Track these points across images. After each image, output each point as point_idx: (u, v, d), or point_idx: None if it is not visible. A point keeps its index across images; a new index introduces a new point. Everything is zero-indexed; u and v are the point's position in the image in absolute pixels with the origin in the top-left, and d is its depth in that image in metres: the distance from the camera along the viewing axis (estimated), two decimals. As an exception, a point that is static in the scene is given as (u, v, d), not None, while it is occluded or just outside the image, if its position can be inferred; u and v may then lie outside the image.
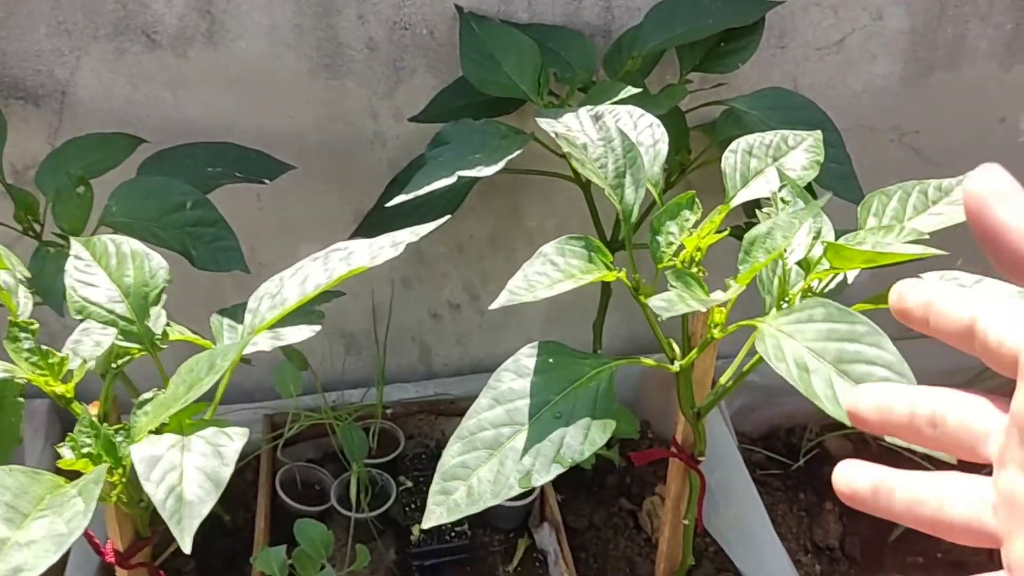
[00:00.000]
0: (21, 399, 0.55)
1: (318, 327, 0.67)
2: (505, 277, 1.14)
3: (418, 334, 1.18)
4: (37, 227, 0.84)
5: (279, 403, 1.11)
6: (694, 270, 0.66)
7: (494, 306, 0.58)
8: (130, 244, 0.62)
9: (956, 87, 1.04)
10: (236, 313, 0.73)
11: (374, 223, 0.97)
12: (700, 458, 0.79)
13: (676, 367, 0.69)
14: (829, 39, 0.98)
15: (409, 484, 1.08)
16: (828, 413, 0.52)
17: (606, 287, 1.06)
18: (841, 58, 1.00)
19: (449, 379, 1.19)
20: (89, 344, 0.61)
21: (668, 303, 0.56)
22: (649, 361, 0.68)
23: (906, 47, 1.00)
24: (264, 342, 0.63)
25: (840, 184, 0.81)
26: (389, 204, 0.76)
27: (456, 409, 1.17)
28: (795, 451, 1.31)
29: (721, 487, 1.10)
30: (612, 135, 0.67)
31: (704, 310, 0.58)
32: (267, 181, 0.88)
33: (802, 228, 0.63)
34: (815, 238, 0.64)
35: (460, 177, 0.75)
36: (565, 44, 0.90)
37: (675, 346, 0.70)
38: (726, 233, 0.66)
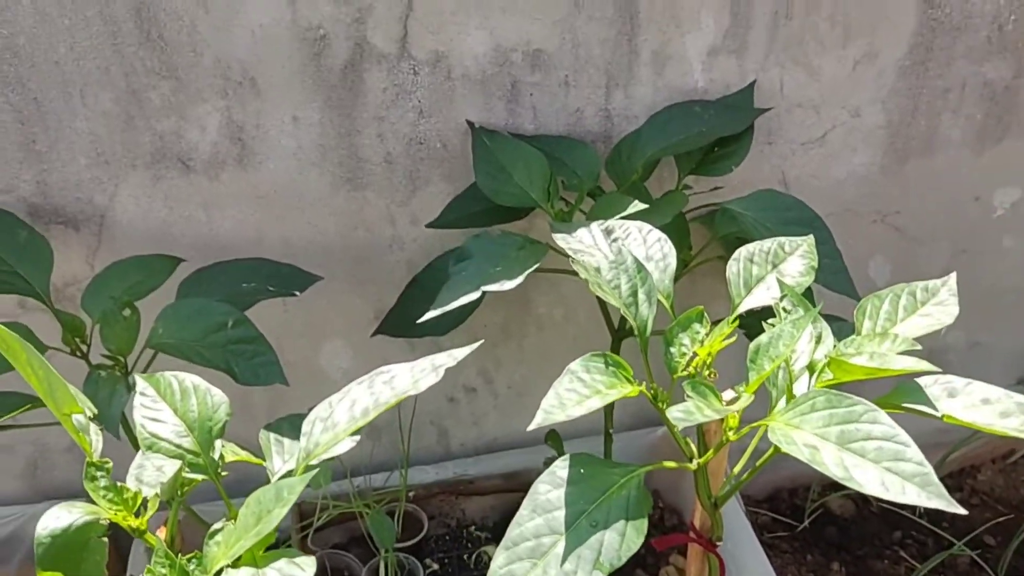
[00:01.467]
0: (105, 539, 0.60)
1: (358, 437, 0.72)
2: (518, 361, 1.21)
3: (436, 418, 1.23)
4: (84, 348, 0.89)
5: (306, 491, 1.16)
6: (706, 373, 0.72)
7: (532, 427, 0.63)
8: (191, 379, 0.67)
9: (932, 172, 1.12)
10: (281, 428, 0.79)
11: (395, 322, 1.03)
12: (718, 543, 0.84)
13: (694, 465, 0.75)
14: (813, 135, 1.06)
15: (435, 567, 1.12)
16: (844, 484, 0.57)
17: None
18: (825, 151, 1.07)
19: (467, 459, 1.24)
20: (152, 470, 0.66)
21: (686, 414, 0.62)
22: (671, 464, 0.74)
23: (884, 139, 1.08)
24: (314, 460, 0.68)
25: (832, 278, 0.87)
26: (421, 320, 0.81)
27: (475, 489, 1.21)
28: (799, 511, 1.37)
29: (732, 556, 1.15)
30: (624, 256, 0.73)
31: (719, 418, 0.64)
32: (298, 293, 0.94)
33: (803, 335, 0.70)
34: (817, 343, 0.70)
35: (484, 292, 0.81)
36: (570, 153, 0.97)
37: (692, 445, 0.76)
38: (734, 340, 0.72)
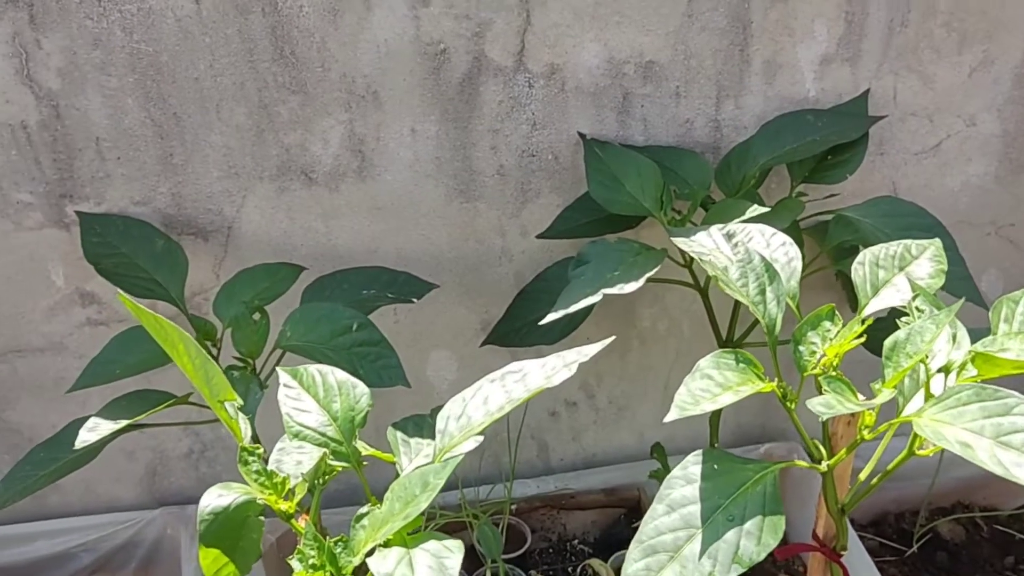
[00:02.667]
0: (262, 517, 0.62)
1: (481, 437, 0.74)
2: (619, 375, 1.21)
3: (537, 432, 1.24)
4: (215, 351, 0.93)
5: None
6: (833, 375, 0.71)
7: (668, 419, 0.64)
8: (333, 372, 0.70)
9: (1049, 181, 1.10)
10: (407, 427, 0.80)
11: (504, 333, 1.05)
12: (842, 552, 0.82)
13: (824, 467, 0.74)
14: (926, 144, 1.04)
15: (540, 579, 1.12)
16: (1004, 476, 0.56)
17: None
18: (938, 161, 1.06)
19: (567, 474, 1.25)
20: (291, 463, 0.68)
21: (827, 406, 0.62)
22: (802, 463, 0.73)
23: (999, 149, 1.06)
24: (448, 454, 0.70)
25: (957, 285, 0.86)
26: (543, 322, 0.83)
27: (576, 504, 1.21)
28: (907, 536, 1.33)
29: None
30: (751, 255, 0.73)
31: (859, 411, 0.64)
32: (416, 300, 0.96)
33: (941, 333, 0.69)
34: (953, 342, 0.69)
35: (605, 294, 0.82)
36: (681, 163, 0.98)
37: (820, 447, 0.75)
38: (863, 340, 0.72)
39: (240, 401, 0.69)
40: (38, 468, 0.86)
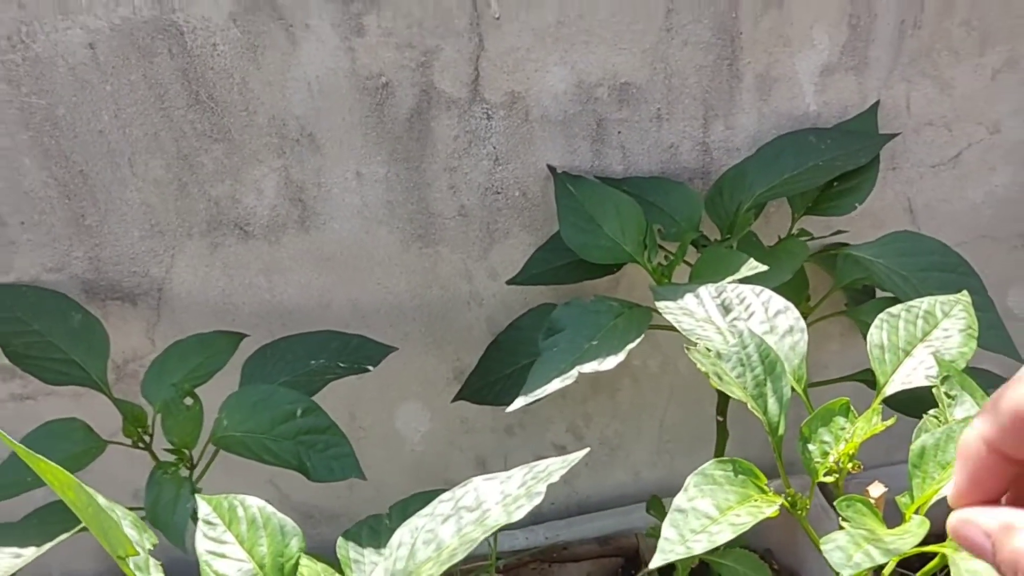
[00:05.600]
0: None
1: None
2: (610, 415, 1.11)
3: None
4: (147, 439, 0.82)
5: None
6: (849, 467, 0.61)
7: (653, 566, 0.53)
8: (258, 506, 0.59)
9: (1083, 188, 0.97)
10: (360, 535, 0.70)
11: (477, 387, 0.94)
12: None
13: (841, 579, 0.63)
14: (944, 156, 0.92)
15: (531, 648, 1.03)
16: None
17: (721, 426, 1.01)
18: (958, 172, 0.94)
19: (558, 522, 1.15)
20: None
21: (845, 554, 0.51)
22: None
23: (1027, 155, 0.94)
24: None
25: (987, 335, 0.74)
26: (509, 409, 0.72)
27: (569, 555, 1.12)
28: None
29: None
30: (746, 341, 0.62)
31: (886, 561, 0.53)
32: (371, 368, 0.85)
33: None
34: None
35: (580, 373, 0.71)
36: (666, 196, 0.85)
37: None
38: (880, 428, 0.61)
39: (145, 549, 0.59)
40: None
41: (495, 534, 1.06)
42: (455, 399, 0.95)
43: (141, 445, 0.83)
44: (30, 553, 0.69)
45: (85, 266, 0.86)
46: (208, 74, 0.77)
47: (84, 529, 0.72)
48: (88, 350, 0.82)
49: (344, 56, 0.78)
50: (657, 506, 1.03)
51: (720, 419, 0.95)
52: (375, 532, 0.71)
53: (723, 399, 0.94)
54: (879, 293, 0.92)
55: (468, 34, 0.78)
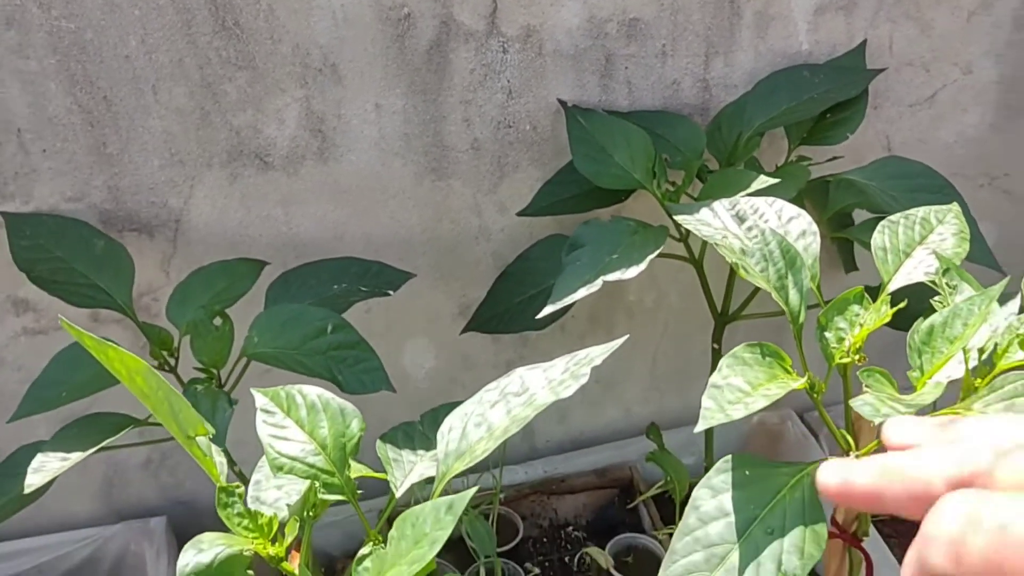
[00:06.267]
0: (251, 572, 0.54)
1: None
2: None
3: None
4: (172, 361, 0.84)
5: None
6: (856, 358, 0.66)
7: (698, 430, 0.58)
8: (317, 393, 0.62)
9: (1044, 128, 1.05)
10: (396, 438, 0.73)
11: (487, 318, 0.97)
12: (864, 537, 0.78)
13: (852, 458, 0.69)
14: (922, 96, 0.99)
15: (536, 571, 1.07)
16: None
17: (716, 353, 1.06)
18: (933, 112, 1.00)
19: (555, 457, 1.19)
20: (273, 494, 0.61)
21: (874, 408, 0.56)
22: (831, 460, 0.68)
23: (996, 96, 1.01)
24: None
25: (975, 249, 0.81)
26: (539, 315, 0.76)
27: (567, 487, 1.16)
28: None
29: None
30: (768, 238, 0.67)
31: (909, 412, 0.58)
32: (391, 292, 0.88)
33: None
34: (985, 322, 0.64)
35: (605, 282, 0.75)
36: (671, 128, 0.90)
37: (848, 438, 0.70)
38: (889, 315, 0.66)
39: (212, 431, 0.61)
40: (-19, 506, 0.77)
41: (500, 469, 1.10)
42: (464, 330, 0.98)
43: (167, 368, 0.84)
44: (76, 456, 0.71)
45: (104, 195, 0.87)
46: (236, 0, 0.79)
47: (132, 428, 0.73)
48: (113, 275, 0.83)
49: (369, -15, 0.81)
50: (655, 432, 1.08)
51: (716, 347, 1.00)
52: (409, 436, 0.74)
53: (719, 327, 0.99)
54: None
55: (489, -34, 0.82)
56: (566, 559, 1.09)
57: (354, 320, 0.94)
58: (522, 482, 1.15)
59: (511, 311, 0.96)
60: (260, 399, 0.63)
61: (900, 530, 1.26)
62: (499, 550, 1.07)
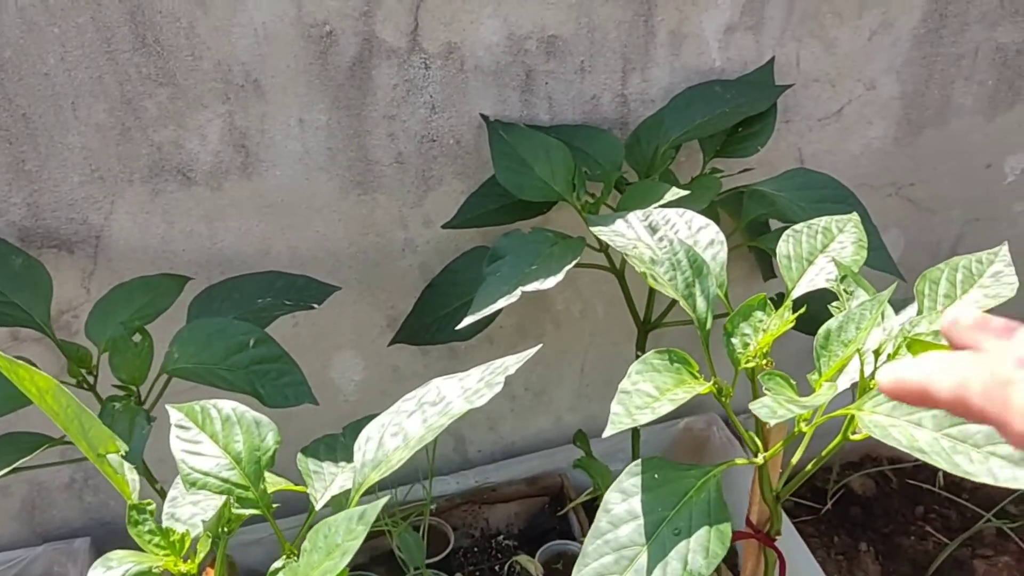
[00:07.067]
0: (162, 588, 0.54)
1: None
2: (534, 360, 1.16)
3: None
4: (91, 379, 0.83)
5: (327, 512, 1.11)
6: (763, 363, 0.69)
7: (606, 435, 0.60)
8: (231, 407, 0.62)
9: (945, 141, 1.11)
10: (318, 451, 0.74)
11: (413, 330, 0.98)
12: (777, 536, 0.81)
13: (760, 460, 0.72)
14: (829, 110, 1.03)
15: (468, 581, 1.08)
16: (948, 471, 0.54)
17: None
18: (841, 126, 1.05)
19: (487, 466, 1.20)
20: (188, 510, 0.61)
21: (771, 410, 0.59)
22: (741, 461, 0.70)
23: (898, 110, 1.06)
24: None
25: (874, 257, 0.85)
26: (459, 326, 0.77)
27: (498, 496, 1.17)
28: (821, 494, 1.35)
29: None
30: (676, 248, 0.70)
31: (804, 414, 0.61)
32: (316, 306, 0.88)
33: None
34: (877, 324, 0.68)
35: (523, 293, 0.77)
36: (590, 142, 0.93)
37: (756, 439, 0.73)
38: (791, 324, 0.69)
39: (124, 448, 0.61)
40: None
41: (430, 480, 1.11)
42: (392, 342, 0.99)
43: (85, 386, 0.83)
44: (-11, 478, 0.70)
45: (23, 212, 0.86)
46: (156, 18, 0.80)
47: (45, 448, 0.73)
48: (31, 292, 0.83)
49: (290, 4, 0.82)
50: (583, 439, 1.10)
51: (639, 354, 1.03)
52: (331, 448, 0.75)
53: (642, 336, 1.02)
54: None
55: (408, -16, 0.83)
56: (496, 568, 1.10)
57: (282, 334, 0.94)
58: (453, 492, 1.16)
59: (438, 323, 0.97)
60: (175, 414, 0.63)
61: (821, 530, 1.31)
62: (429, 561, 1.08)
